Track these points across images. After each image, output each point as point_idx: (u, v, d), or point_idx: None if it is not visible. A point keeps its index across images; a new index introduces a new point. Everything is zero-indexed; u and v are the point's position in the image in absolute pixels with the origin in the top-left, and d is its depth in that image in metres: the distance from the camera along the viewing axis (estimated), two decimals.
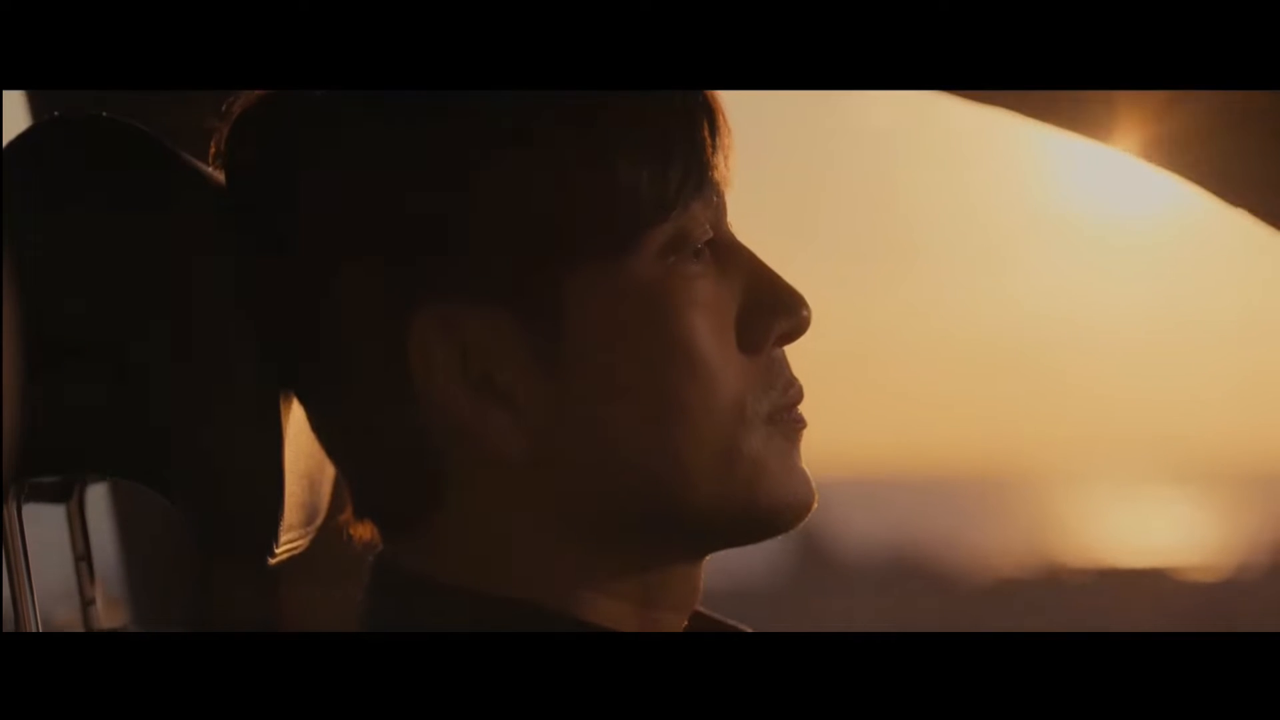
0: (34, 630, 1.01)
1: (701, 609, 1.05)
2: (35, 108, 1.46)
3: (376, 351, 0.96)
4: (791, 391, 1.00)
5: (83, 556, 1.13)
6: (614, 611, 0.99)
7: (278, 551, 1.02)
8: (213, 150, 1.01)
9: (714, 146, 0.98)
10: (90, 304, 0.96)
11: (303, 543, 1.07)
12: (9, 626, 1.02)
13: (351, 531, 1.03)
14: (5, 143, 0.98)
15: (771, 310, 0.99)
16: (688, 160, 0.97)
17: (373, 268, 0.95)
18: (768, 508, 0.99)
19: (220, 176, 1.01)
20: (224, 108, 1.00)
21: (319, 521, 1.09)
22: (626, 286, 0.96)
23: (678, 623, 1.03)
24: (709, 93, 0.99)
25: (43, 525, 1.10)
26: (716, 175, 0.98)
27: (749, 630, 1.08)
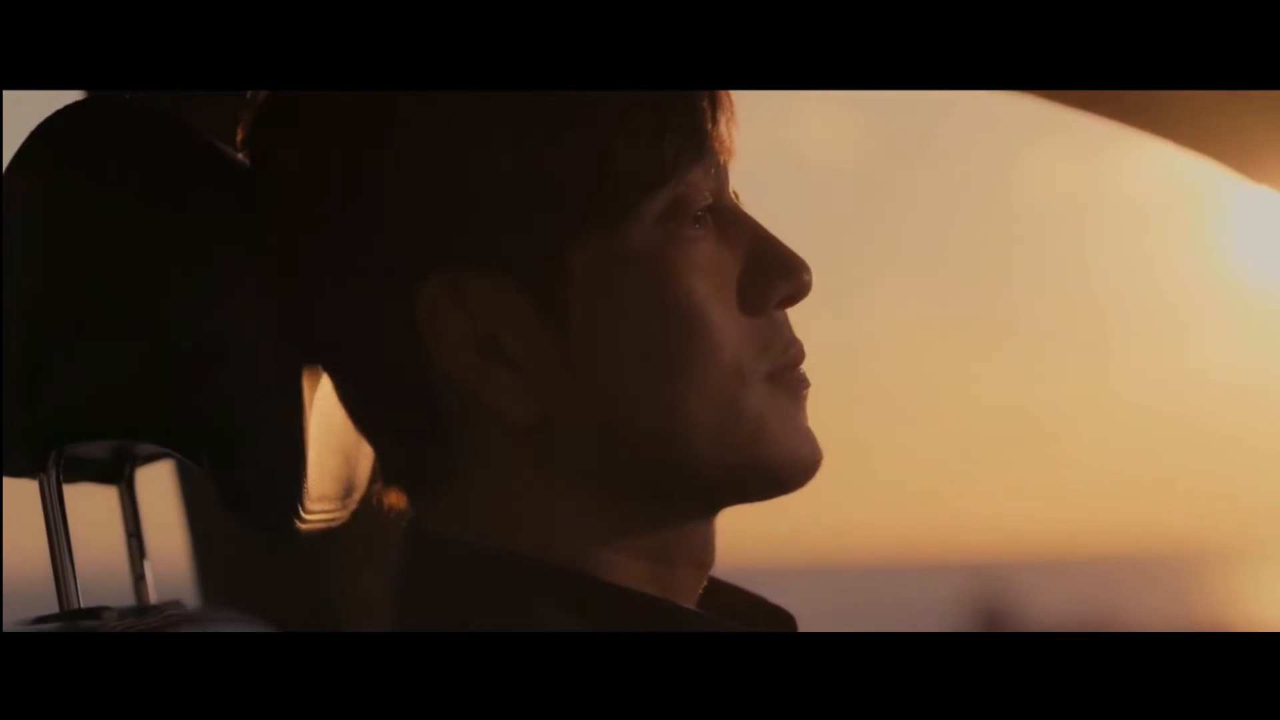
0: (76, 598, 1.05)
1: (719, 578, 1.08)
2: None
3: (388, 320, 1.00)
4: (791, 351, 1.02)
5: (133, 533, 1.17)
6: (630, 569, 1.01)
7: (308, 519, 1.06)
8: (240, 136, 1.06)
9: (713, 116, 1.01)
10: (120, 277, 1.01)
11: (341, 515, 1.11)
12: (43, 598, 1.06)
13: (383, 499, 1.07)
14: (37, 125, 1.04)
15: (772, 273, 1.02)
16: (685, 129, 0.99)
17: (383, 240, 0.99)
18: (771, 463, 1.01)
19: (245, 160, 1.05)
20: (249, 95, 1.05)
21: (356, 496, 1.12)
22: (627, 252, 0.98)
23: (696, 579, 1.05)
24: None
25: (97, 501, 1.15)
26: (717, 144, 1.01)
27: (770, 602, 1.10)
